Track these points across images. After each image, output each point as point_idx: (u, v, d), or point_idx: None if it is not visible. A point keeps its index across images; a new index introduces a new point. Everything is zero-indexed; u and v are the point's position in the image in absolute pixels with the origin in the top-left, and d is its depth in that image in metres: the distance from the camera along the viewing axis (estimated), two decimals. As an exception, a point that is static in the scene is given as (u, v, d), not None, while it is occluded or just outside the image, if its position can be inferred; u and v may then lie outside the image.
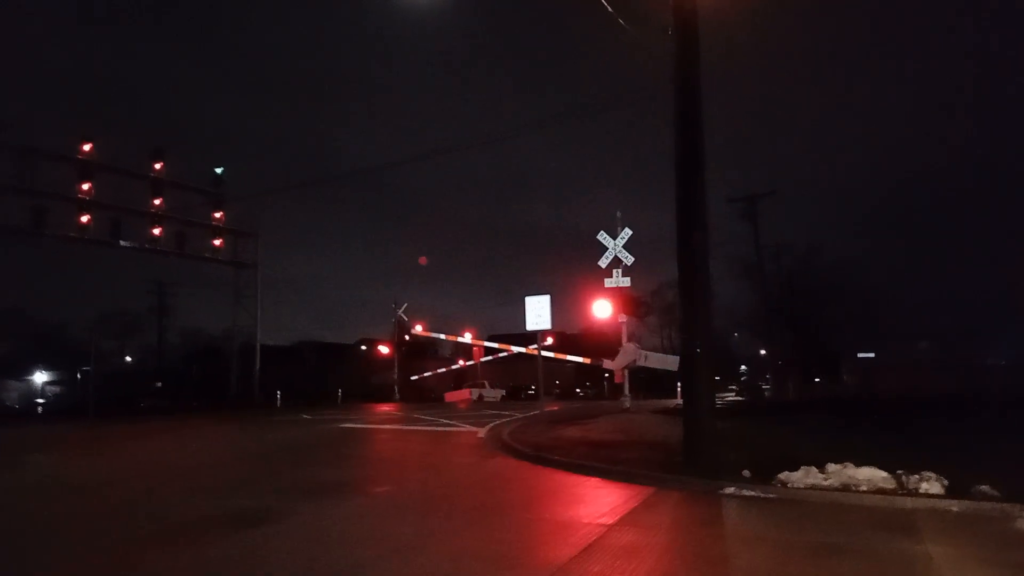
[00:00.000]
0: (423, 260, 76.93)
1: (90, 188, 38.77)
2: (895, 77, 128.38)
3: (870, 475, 8.68)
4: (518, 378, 62.48)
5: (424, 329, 56.78)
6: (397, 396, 53.62)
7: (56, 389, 59.49)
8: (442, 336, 58.07)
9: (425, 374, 59.90)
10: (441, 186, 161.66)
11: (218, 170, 46.78)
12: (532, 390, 54.82)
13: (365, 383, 60.16)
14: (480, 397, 53.24)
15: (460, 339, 57.31)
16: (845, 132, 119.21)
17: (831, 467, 9.06)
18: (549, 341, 52.58)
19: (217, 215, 45.96)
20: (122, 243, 41.23)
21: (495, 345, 52.42)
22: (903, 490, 8.25)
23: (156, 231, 42.24)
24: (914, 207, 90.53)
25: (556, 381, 67.53)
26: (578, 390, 67.14)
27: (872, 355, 56.20)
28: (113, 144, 40.86)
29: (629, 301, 28.86)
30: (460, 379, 65.38)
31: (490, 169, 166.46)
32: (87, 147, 38.89)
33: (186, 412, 36.79)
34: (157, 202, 42.02)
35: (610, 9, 12.25)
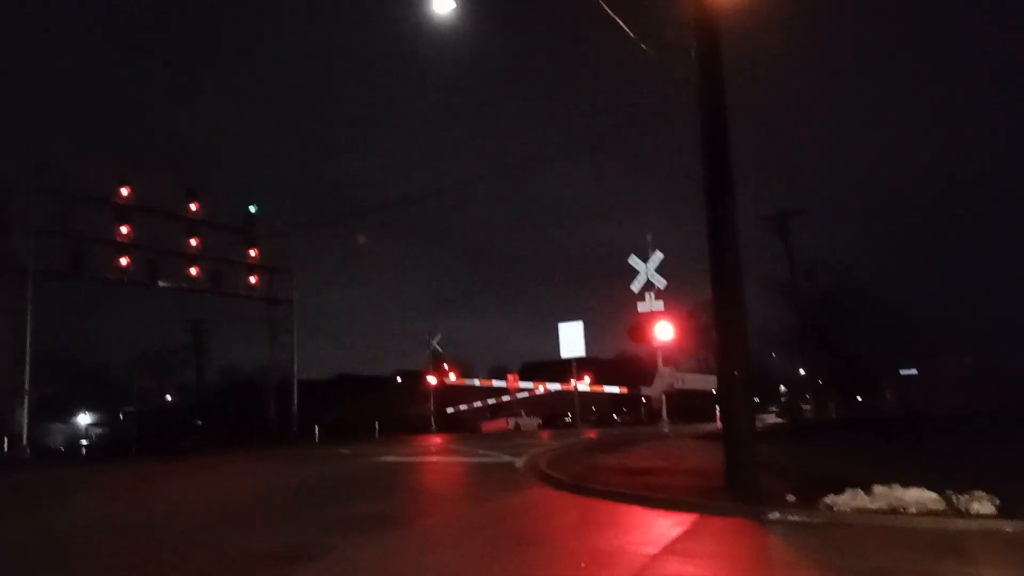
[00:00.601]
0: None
1: (128, 231, 39.63)
2: (932, 87, 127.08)
3: (918, 496, 8.47)
4: (554, 406, 62.15)
5: (458, 377, 57.53)
6: (434, 427, 53.64)
7: (99, 430, 60.43)
8: (476, 382, 58.53)
9: (461, 407, 59.91)
10: (470, 212, 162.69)
11: (252, 208, 47.58)
12: (569, 418, 54.51)
13: (402, 415, 60.26)
14: (517, 426, 53.08)
15: (495, 382, 57.45)
16: (879, 146, 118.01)
17: (877, 489, 8.85)
18: (587, 380, 52.64)
19: (252, 253, 46.65)
20: (160, 283, 42.01)
21: (530, 384, 52.61)
22: (953, 511, 8.03)
23: (193, 270, 42.98)
24: (953, 219, 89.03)
25: (592, 408, 67.06)
26: (615, 416, 66.62)
27: (914, 372, 55.10)
28: (148, 186, 41.62)
29: (664, 325, 28.58)
30: (496, 409, 65.27)
31: (518, 194, 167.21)
32: (125, 191, 39.81)
33: (225, 448, 37.09)
34: (193, 242, 42.80)
35: (632, 34, 12.32)
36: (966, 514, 7.90)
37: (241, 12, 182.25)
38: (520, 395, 56.10)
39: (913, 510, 8.23)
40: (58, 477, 22.46)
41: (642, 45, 12.46)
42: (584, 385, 50.73)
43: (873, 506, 8.53)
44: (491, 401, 60.78)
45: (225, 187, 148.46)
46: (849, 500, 8.73)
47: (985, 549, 6.77)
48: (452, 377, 56.74)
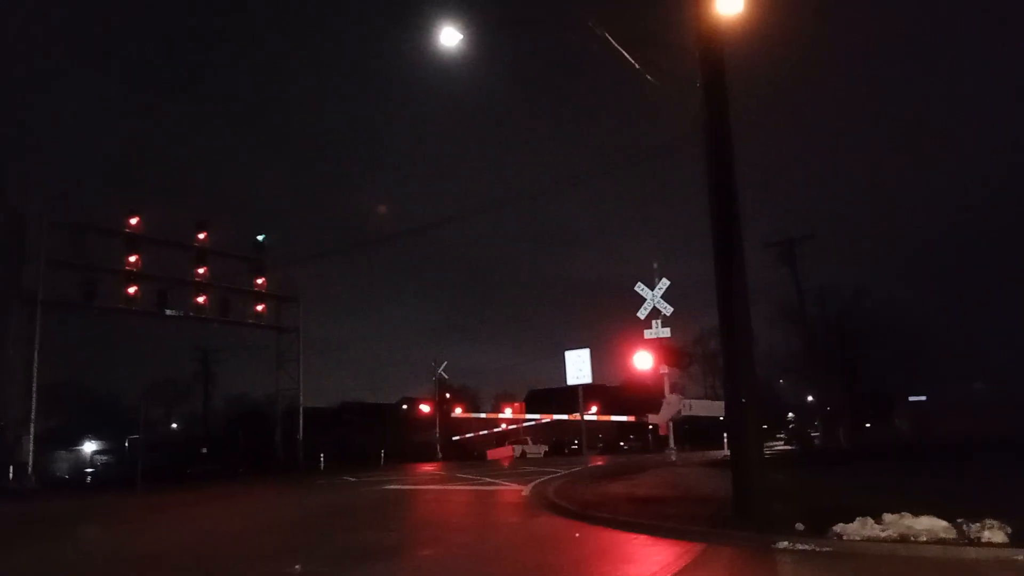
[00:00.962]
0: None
1: (137, 260, 39.88)
2: (945, 110, 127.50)
3: (929, 525, 8.40)
4: (561, 433, 61.90)
5: (464, 411, 57.68)
6: (439, 455, 53.40)
7: (105, 458, 60.24)
8: (482, 415, 58.70)
9: (467, 435, 59.76)
10: (477, 240, 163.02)
11: (260, 237, 47.82)
12: (575, 445, 54.23)
13: (407, 443, 60.03)
14: (523, 454, 52.78)
15: (501, 415, 57.50)
16: (888, 170, 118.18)
17: (888, 517, 8.79)
18: (594, 411, 52.57)
19: (259, 281, 46.83)
20: (168, 312, 42.15)
21: (536, 416, 52.79)
22: (965, 540, 7.97)
23: (200, 299, 43.13)
24: (963, 244, 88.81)
25: (599, 435, 66.72)
26: (622, 443, 66.18)
27: (924, 398, 54.73)
28: (157, 216, 41.94)
29: (670, 352, 28.55)
30: (502, 436, 65.06)
31: (524, 222, 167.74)
32: (134, 220, 40.10)
33: (232, 477, 37.01)
34: (201, 271, 43.00)
35: (637, 66, 12.46)
36: (977, 543, 7.83)
37: (251, 44, 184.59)
38: (527, 423, 56.10)
39: (924, 539, 8.17)
40: (65, 507, 22.41)
41: (647, 76, 12.60)
42: (591, 415, 50.85)
43: (883, 535, 8.47)
44: (497, 429, 60.64)
45: (233, 217, 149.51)
46: (859, 529, 8.66)
47: (997, 578, 6.71)
48: (458, 411, 56.95)
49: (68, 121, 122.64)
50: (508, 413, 56.99)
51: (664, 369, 29.40)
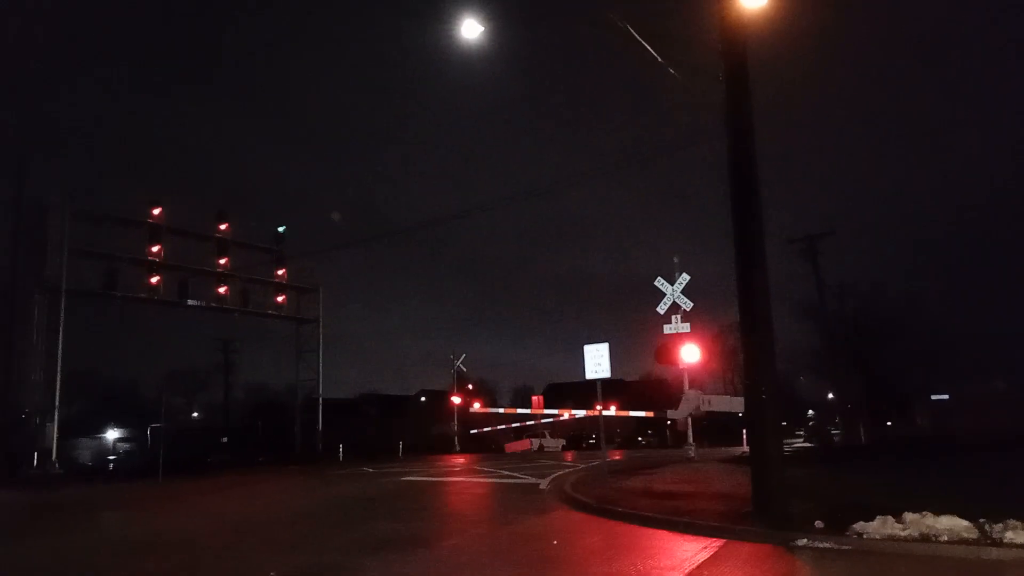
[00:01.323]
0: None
1: (159, 250, 40.27)
2: (960, 105, 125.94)
3: (951, 524, 8.31)
4: (579, 427, 61.79)
5: (483, 406, 57.84)
6: (457, 447, 53.53)
7: (127, 446, 61.02)
8: (500, 410, 58.92)
9: (485, 429, 59.88)
10: (496, 234, 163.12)
11: (280, 229, 48.15)
12: (593, 439, 54.17)
13: (426, 435, 60.24)
14: (541, 447, 52.77)
15: (519, 410, 57.59)
16: (908, 166, 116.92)
17: (909, 516, 8.70)
18: (612, 410, 52.75)
19: (279, 272, 47.16)
20: (189, 302, 42.55)
21: (555, 411, 52.76)
22: (987, 540, 7.87)
23: (222, 290, 43.51)
24: (985, 240, 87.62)
25: (617, 429, 66.56)
26: (640, 439, 66.05)
27: (946, 396, 54.15)
28: (179, 207, 42.33)
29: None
30: (520, 429, 65.09)
31: (543, 217, 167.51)
32: (156, 211, 40.48)
33: (252, 467, 37.29)
34: (222, 261, 43.35)
35: (660, 59, 12.37)
36: (1000, 543, 7.74)
37: (272, 37, 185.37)
38: (545, 420, 56.10)
39: (945, 538, 8.08)
40: (88, 495, 22.70)
41: (670, 69, 12.51)
42: (610, 412, 50.92)
43: (904, 534, 8.39)
44: (515, 424, 60.73)
45: (254, 209, 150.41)
46: (879, 527, 8.59)
47: (1020, 579, 6.62)
48: (477, 406, 57.08)
49: (89, 113, 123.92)
50: (528, 410, 57.07)
51: (683, 364, 29.23)
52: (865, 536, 8.49)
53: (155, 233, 40.36)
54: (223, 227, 43.76)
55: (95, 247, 38.55)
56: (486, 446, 58.19)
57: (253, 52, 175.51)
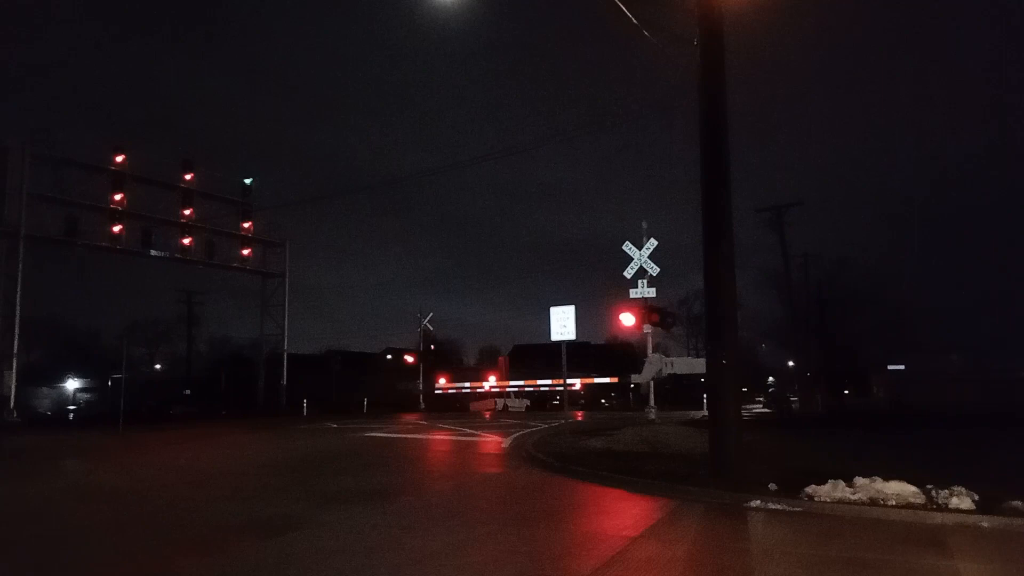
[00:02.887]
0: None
1: (122, 198, 39.47)
2: (925, 80, 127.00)
3: (899, 489, 8.56)
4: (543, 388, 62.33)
5: (448, 381, 58.34)
6: (423, 405, 53.76)
7: (87, 396, 60.37)
8: (467, 385, 59.47)
9: (449, 390, 60.28)
10: (466, 196, 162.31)
11: (247, 181, 47.39)
12: (557, 400, 54.66)
13: (391, 392, 60.34)
14: (505, 407, 53.13)
15: (485, 384, 58.15)
16: (873, 140, 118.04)
17: (859, 481, 8.95)
18: (578, 383, 53.50)
19: (246, 225, 46.54)
20: (153, 253, 41.90)
21: (520, 383, 53.54)
22: (933, 505, 8.13)
23: (186, 241, 42.87)
24: (945, 215, 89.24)
25: (581, 391, 67.26)
26: (603, 400, 66.72)
27: (902, 367, 55.37)
28: (144, 155, 41.46)
29: (654, 312, 28.64)
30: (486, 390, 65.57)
31: (514, 180, 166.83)
32: (119, 158, 39.59)
33: (214, 420, 37.16)
34: (187, 212, 42.65)
35: (635, 20, 12.26)
36: (944, 508, 8.00)
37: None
38: (510, 388, 56.74)
39: (893, 503, 8.32)
40: (46, 443, 22.48)
41: (644, 32, 12.42)
42: (575, 384, 51.83)
43: (853, 497, 8.63)
44: (480, 389, 61.17)
45: (221, 159, 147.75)
46: (830, 491, 8.83)
47: (963, 543, 6.86)
48: (443, 381, 57.77)
49: (53, 58, 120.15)
50: (493, 381, 57.70)
51: (648, 329, 29.51)
52: (816, 499, 8.72)
53: (118, 180, 39.51)
54: (188, 177, 42.96)
55: (56, 193, 37.68)
56: (451, 405, 58.49)
57: (231, 4, 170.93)
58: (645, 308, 28.71)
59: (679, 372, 32.34)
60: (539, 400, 58.72)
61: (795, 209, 41.67)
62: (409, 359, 55.54)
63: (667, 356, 33.50)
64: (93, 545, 7.24)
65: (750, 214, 41.42)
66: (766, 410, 51.75)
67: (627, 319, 28.04)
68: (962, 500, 8.07)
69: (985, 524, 7.54)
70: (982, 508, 7.89)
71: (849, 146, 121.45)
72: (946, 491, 8.28)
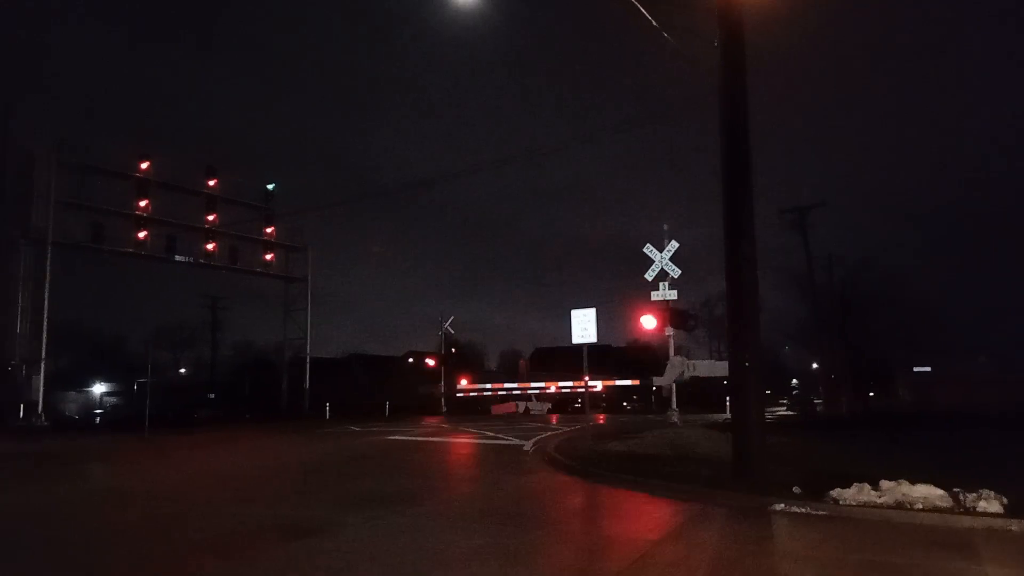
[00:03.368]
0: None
1: (147, 205, 39.97)
2: (952, 84, 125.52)
3: (926, 493, 8.46)
4: (565, 392, 62.25)
5: (469, 384, 58.62)
6: (444, 409, 53.85)
7: (113, 400, 61.13)
8: (488, 388, 59.81)
9: (471, 393, 60.44)
10: (488, 198, 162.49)
11: (270, 186, 47.85)
12: (578, 403, 54.55)
13: (412, 396, 60.49)
14: (526, 410, 53.11)
15: (507, 385, 58.47)
16: (899, 142, 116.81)
17: (885, 484, 8.85)
18: (599, 385, 53.67)
19: (268, 230, 46.95)
20: (177, 258, 42.38)
21: (541, 384, 53.66)
22: (960, 508, 8.02)
23: (210, 246, 43.31)
24: (972, 217, 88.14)
25: (602, 394, 67.07)
26: (624, 404, 66.49)
27: (928, 369, 54.72)
28: (168, 161, 41.91)
29: (676, 314, 28.53)
30: (507, 392, 65.54)
31: (535, 182, 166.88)
32: (144, 165, 40.09)
33: (238, 424, 37.45)
34: (211, 218, 43.10)
35: (655, 23, 12.24)
36: (973, 512, 7.88)
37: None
38: (531, 391, 56.86)
39: (919, 506, 8.22)
40: (73, 447, 22.75)
41: (664, 34, 12.39)
42: (596, 386, 52.03)
43: (879, 501, 8.53)
44: (501, 391, 61.27)
45: (244, 165, 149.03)
46: (855, 494, 8.73)
47: (990, 547, 6.76)
48: (464, 382, 58.01)
49: (78, 64, 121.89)
50: (515, 383, 58.01)
51: (670, 331, 29.41)
52: (841, 502, 8.63)
53: (143, 187, 40.03)
54: (212, 183, 43.43)
55: (82, 199, 38.22)
56: (473, 408, 58.52)
57: (248, 8, 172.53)
58: (667, 311, 28.62)
59: (701, 375, 32.20)
60: (560, 403, 58.65)
61: (819, 210, 41.39)
62: (431, 362, 55.72)
63: (689, 359, 33.38)
64: (116, 548, 7.32)
65: (773, 215, 41.16)
66: (790, 412, 51.36)
67: (648, 322, 27.97)
68: (990, 503, 7.96)
69: (1014, 528, 7.42)
70: (1011, 511, 7.77)
71: (874, 146, 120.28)
72: (974, 494, 8.17)
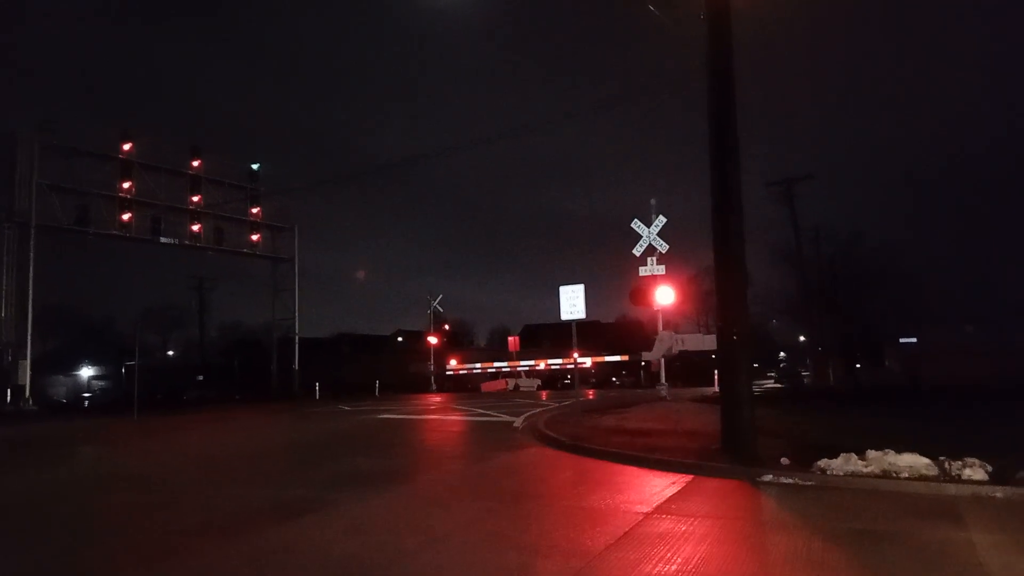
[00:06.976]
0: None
1: (131, 186, 39.61)
2: (940, 54, 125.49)
3: (911, 462, 8.55)
4: (554, 368, 62.54)
5: (459, 362, 58.80)
6: (434, 387, 54.01)
7: (102, 383, 60.97)
8: (478, 366, 60.03)
9: (461, 371, 60.62)
10: (474, 176, 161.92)
11: (255, 166, 47.46)
12: (568, 380, 54.84)
13: (402, 374, 60.67)
14: (516, 387, 53.37)
15: (496, 364, 58.73)
16: (887, 113, 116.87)
17: (871, 454, 8.94)
18: (588, 362, 53.99)
19: (254, 211, 46.64)
20: (162, 240, 42.09)
21: (531, 362, 53.85)
22: (945, 476, 8.12)
23: (195, 227, 43.02)
24: (959, 187, 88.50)
25: (592, 370, 67.41)
26: (614, 379, 66.90)
27: (914, 340, 55.05)
28: (151, 142, 41.46)
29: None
30: (497, 370, 65.79)
31: (523, 159, 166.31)
32: (127, 146, 39.68)
33: (228, 405, 37.42)
34: (196, 199, 42.78)
35: (640, -5, 12.14)
36: (958, 479, 7.99)
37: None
38: (521, 367, 57.09)
39: (905, 475, 8.32)
40: (64, 431, 22.69)
41: (650, 6, 12.30)
42: (586, 363, 52.34)
43: (866, 470, 8.62)
44: (491, 368, 61.53)
45: (229, 145, 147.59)
46: (842, 464, 8.82)
47: (976, 514, 6.85)
48: (454, 363, 58.17)
49: (60, 45, 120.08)
50: (504, 363, 58.25)
51: (658, 306, 29.48)
52: (828, 472, 8.72)
53: (126, 169, 39.64)
54: (196, 164, 43.04)
55: (66, 182, 37.83)
56: (462, 386, 58.74)
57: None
58: (654, 286, 28.66)
59: (690, 349, 32.38)
60: (550, 379, 58.94)
61: (809, 184, 41.46)
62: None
63: (677, 333, 33.53)
64: (109, 529, 7.31)
65: (759, 187, 41.22)
66: (777, 385, 51.75)
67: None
68: (975, 471, 8.06)
69: (999, 494, 7.53)
70: (996, 479, 7.88)
71: (863, 118, 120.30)
72: (959, 462, 8.27)
